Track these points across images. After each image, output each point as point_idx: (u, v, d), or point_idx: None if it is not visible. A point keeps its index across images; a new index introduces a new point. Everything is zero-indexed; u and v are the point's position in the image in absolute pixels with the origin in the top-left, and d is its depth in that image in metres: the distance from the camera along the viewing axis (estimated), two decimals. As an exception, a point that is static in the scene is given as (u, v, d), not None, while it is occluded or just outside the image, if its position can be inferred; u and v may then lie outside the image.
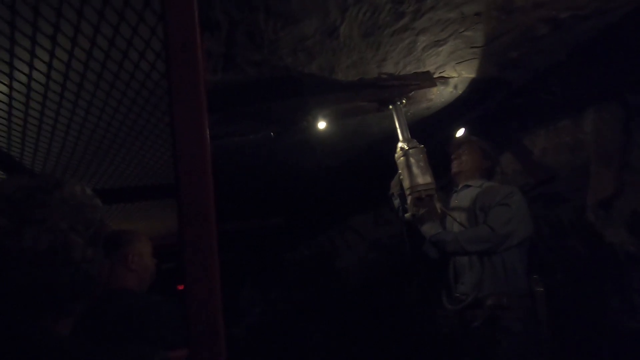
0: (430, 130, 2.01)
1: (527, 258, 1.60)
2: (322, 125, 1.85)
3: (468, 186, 1.78)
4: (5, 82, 0.84)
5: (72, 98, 0.91)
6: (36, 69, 0.81)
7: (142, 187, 1.55)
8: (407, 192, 1.63)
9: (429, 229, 1.60)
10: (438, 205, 1.61)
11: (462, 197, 1.77)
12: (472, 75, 1.67)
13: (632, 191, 1.91)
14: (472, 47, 1.49)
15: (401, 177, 1.68)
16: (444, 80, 1.69)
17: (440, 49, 1.47)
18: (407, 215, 1.65)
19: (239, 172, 2.48)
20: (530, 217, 1.61)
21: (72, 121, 0.98)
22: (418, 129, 1.78)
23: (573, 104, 2.01)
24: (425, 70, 1.62)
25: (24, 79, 0.84)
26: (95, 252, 0.63)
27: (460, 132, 2.02)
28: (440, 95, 1.80)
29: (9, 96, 0.90)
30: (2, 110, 0.94)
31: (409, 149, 1.64)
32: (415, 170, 1.61)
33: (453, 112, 1.95)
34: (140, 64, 0.86)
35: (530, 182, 2.29)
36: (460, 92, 1.79)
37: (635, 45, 1.57)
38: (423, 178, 1.59)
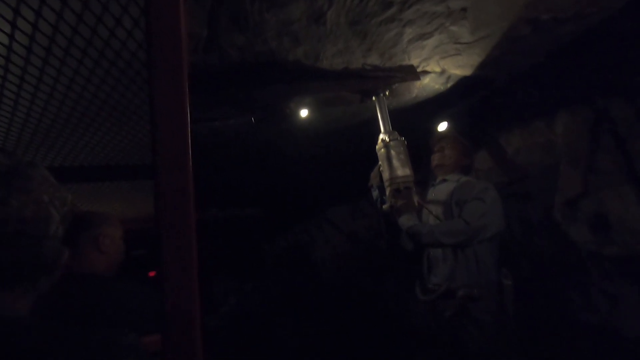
0: (411, 124, 2.03)
1: (498, 252, 1.66)
2: (304, 113, 1.83)
3: (445, 180, 1.82)
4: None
5: (39, 64, 0.84)
6: (-1, 30, 0.75)
7: (114, 166, 1.48)
8: (386, 184, 1.65)
9: (405, 220, 1.63)
10: (415, 198, 1.63)
11: (439, 191, 1.81)
12: (455, 72, 1.70)
13: (596, 192, 2.01)
14: (456, 43, 1.51)
15: (381, 168, 1.69)
16: (428, 74, 1.70)
17: (426, 42, 1.48)
18: (385, 206, 1.67)
19: (216, 158, 2.43)
20: (503, 213, 1.66)
21: (38, 89, 0.91)
22: (399, 122, 1.80)
23: (547, 106, 2.08)
24: (409, 63, 1.63)
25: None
26: (64, 230, 0.62)
27: (443, 127, 2.05)
28: (423, 89, 1.82)
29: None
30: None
31: (390, 141, 1.65)
32: (395, 162, 1.62)
33: (435, 107, 1.97)
34: (117, 32, 0.80)
35: (503, 180, 2.36)
36: (443, 87, 1.81)
37: (606, 51, 1.64)
38: (402, 170, 1.61)
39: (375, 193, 1.80)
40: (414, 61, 1.62)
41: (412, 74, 1.65)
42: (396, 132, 1.69)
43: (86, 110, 1.05)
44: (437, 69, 1.68)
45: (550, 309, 2.09)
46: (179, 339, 0.53)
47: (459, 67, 1.66)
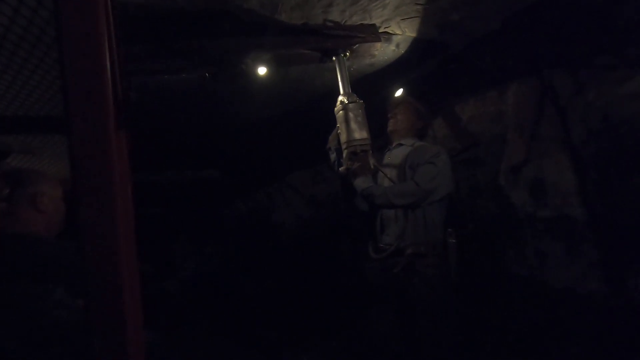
0: (370, 89, 2.02)
1: (446, 213, 1.76)
2: (262, 71, 1.76)
3: (401, 145, 1.87)
4: None
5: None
6: None
7: (27, 117, 1.28)
8: (344, 147, 1.66)
9: (361, 182, 1.66)
10: (371, 161, 1.66)
11: (395, 155, 1.86)
12: (415, 35, 1.69)
13: (537, 160, 2.16)
14: (417, 4, 1.49)
15: (339, 131, 1.69)
16: (388, 36, 1.68)
17: (387, 1, 1.45)
18: (341, 169, 1.69)
19: (171, 116, 2.30)
20: (452, 176, 1.75)
21: None
22: (359, 86, 1.78)
23: (500, 76, 2.16)
24: (371, 23, 1.60)
25: None
26: None
27: (399, 92, 2.07)
28: (384, 52, 1.80)
29: None
30: None
31: (349, 103, 1.64)
32: (353, 125, 1.63)
33: (394, 72, 1.97)
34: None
35: (456, 147, 2.46)
36: (402, 51, 1.81)
37: (554, 22, 1.70)
38: (360, 133, 1.62)
39: (332, 155, 1.81)
40: (376, 21, 1.59)
41: (373, 34, 1.62)
42: (355, 95, 1.68)
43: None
44: (398, 31, 1.67)
45: (488, 263, 2.30)
46: (102, 307, 0.48)
47: (419, 30, 1.66)
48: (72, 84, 0.44)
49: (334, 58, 1.69)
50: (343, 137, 1.65)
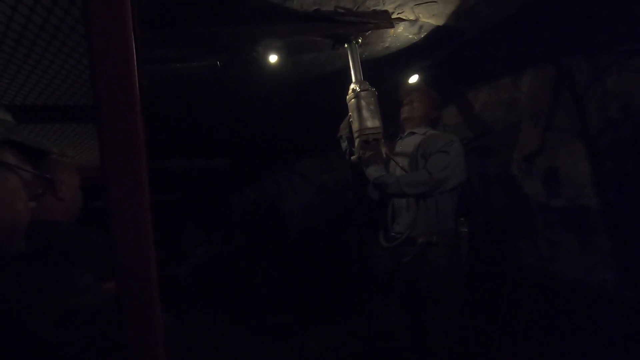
0: (383, 75, 2.00)
1: (458, 202, 1.75)
2: (273, 58, 1.74)
3: (413, 133, 1.85)
4: None
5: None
6: None
7: (54, 106, 1.31)
8: (355, 135, 1.65)
9: (373, 171, 1.66)
10: (383, 150, 1.66)
11: (407, 144, 1.84)
12: (429, 21, 1.66)
13: (551, 149, 2.13)
14: (432, -11, 1.45)
15: (351, 119, 1.68)
16: (402, 22, 1.65)
17: (401, -14, 1.42)
18: (353, 157, 1.69)
19: (181, 104, 2.30)
20: (465, 165, 1.73)
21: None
22: (371, 73, 1.76)
23: (515, 63, 2.11)
24: (384, 9, 1.57)
25: None
26: None
27: (414, 79, 2.03)
28: (396, 38, 1.77)
29: None
30: None
31: (361, 91, 1.62)
32: (365, 113, 1.61)
33: (407, 59, 1.94)
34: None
35: (469, 135, 2.43)
36: (416, 37, 1.77)
37: (573, 6, 1.65)
38: (372, 122, 1.61)
39: (344, 144, 1.81)
40: (389, 7, 1.56)
41: (386, 20, 1.59)
42: (367, 83, 1.66)
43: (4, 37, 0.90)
44: (412, 17, 1.63)
45: (499, 253, 2.29)
46: (134, 291, 0.49)
47: (434, 16, 1.62)
48: (101, 71, 0.45)
49: (345, 45, 1.67)
50: (355, 126, 1.64)
